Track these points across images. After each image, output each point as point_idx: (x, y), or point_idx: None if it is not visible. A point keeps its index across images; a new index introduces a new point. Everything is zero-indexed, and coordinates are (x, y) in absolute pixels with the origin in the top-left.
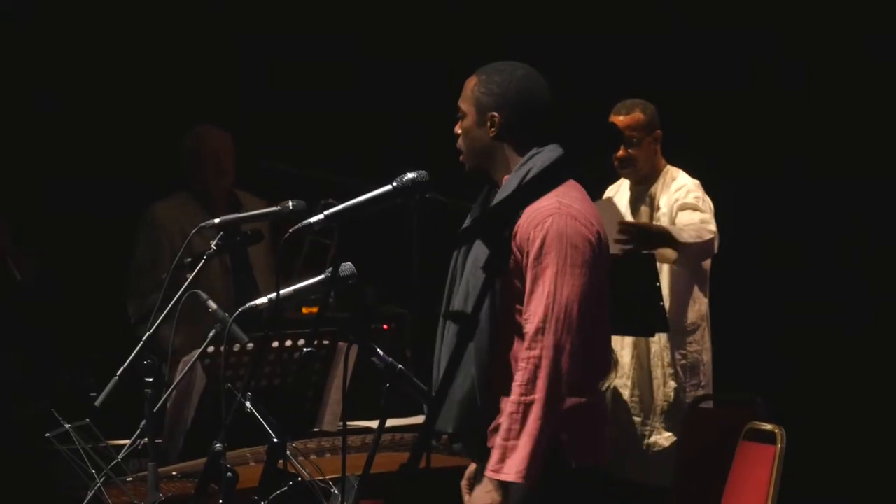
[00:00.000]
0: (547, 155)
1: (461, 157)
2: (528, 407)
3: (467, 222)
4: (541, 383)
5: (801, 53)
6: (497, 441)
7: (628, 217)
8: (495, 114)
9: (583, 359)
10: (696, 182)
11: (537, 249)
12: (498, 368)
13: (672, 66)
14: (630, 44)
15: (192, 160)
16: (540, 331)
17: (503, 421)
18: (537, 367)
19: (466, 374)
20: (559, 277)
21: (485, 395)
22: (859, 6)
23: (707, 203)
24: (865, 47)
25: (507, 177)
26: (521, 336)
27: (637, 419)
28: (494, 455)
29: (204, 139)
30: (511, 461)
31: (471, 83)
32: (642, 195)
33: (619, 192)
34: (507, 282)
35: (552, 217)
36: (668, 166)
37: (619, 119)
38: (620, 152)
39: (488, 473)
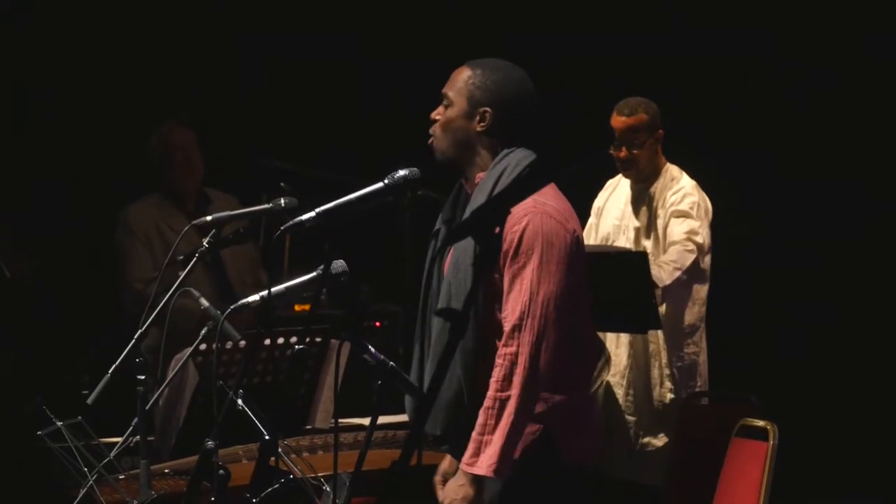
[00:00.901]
0: (520, 154)
1: (433, 142)
2: (503, 403)
3: (438, 223)
4: (516, 380)
5: (801, 53)
6: (473, 435)
7: (628, 215)
8: (487, 109)
9: (561, 356)
10: (694, 184)
11: (514, 248)
12: (483, 369)
13: (672, 66)
14: (630, 44)
15: (161, 159)
16: (517, 328)
17: (479, 416)
18: (513, 363)
19: (452, 376)
20: (536, 275)
21: (472, 395)
22: (859, 6)
23: (703, 206)
24: (865, 47)
25: (480, 174)
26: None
27: (631, 419)
28: (469, 449)
29: (170, 137)
30: (484, 456)
31: (463, 74)
32: (642, 194)
33: (619, 188)
34: (488, 282)
35: (528, 216)
36: (669, 165)
37: (623, 120)
38: (623, 153)
39: (463, 466)
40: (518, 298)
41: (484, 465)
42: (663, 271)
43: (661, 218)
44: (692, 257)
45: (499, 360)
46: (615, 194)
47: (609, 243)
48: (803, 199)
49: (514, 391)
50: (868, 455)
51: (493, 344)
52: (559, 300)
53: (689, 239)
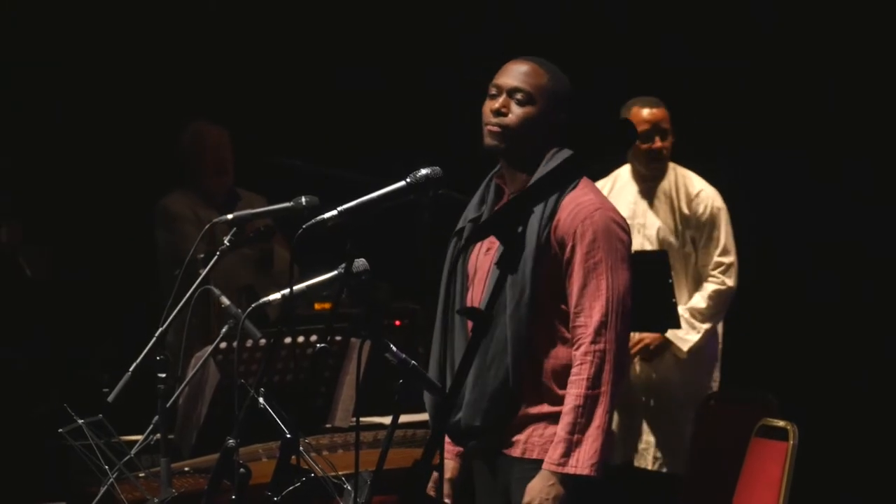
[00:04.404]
0: (566, 153)
1: (496, 133)
2: (595, 400)
3: (463, 221)
4: (607, 377)
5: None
6: (560, 434)
7: (642, 213)
8: (564, 117)
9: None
10: (715, 191)
11: (589, 243)
12: (531, 361)
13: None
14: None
15: (192, 158)
16: (603, 325)
17: (567, 415)
18: (603, 360)
19: (500, 366)
20: (613, 272)
21: (517, 385)
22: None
23: (724, 209)
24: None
25: (521, 175)
26: (557, 330)
27: (645, 408)
28: (558, 449)
29: (203, 136)
30: (580, 455)
31: (541, 76)
32: (652, 191)
33: (621, 187)
34: (546, 275)
35: (599, 211)
36: (671, 163)
37: (651, 111)
38: (657, 144)
39: (551, 468)
40: (598, 295)
41: (585, 464)
42: (686, 343)
43: (685, 217)
44: (725, 290)
45: (587, 358)
46: (616, 192)
47: None
48: (815, 198)
49: (605, 388)
50: (889, 454)
51: (542, 336)
52: (631, 296)
53: (719, 264)
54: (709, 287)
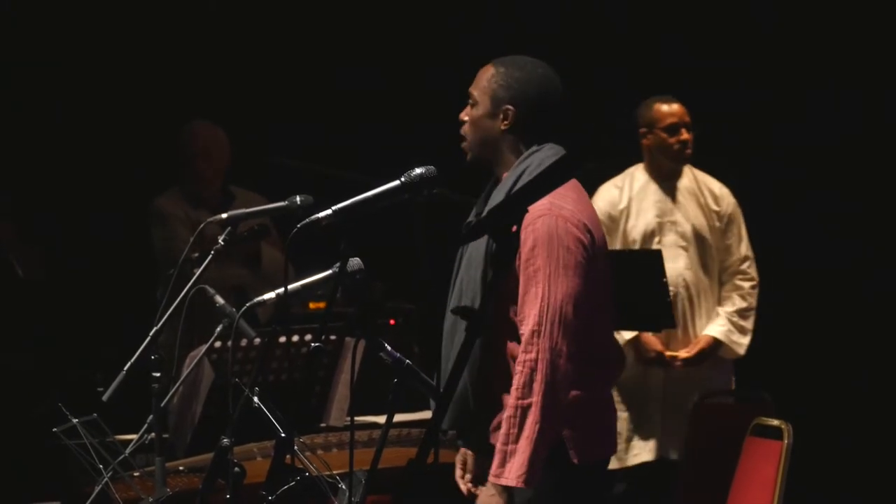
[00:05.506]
0: (545, 153)
1: (464, 145)
2: (525, 410)
3: (470, 218)
4: (537, 387)
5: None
6: (497, 445)
7: (670, 210)
8: (510, 107)
9: (579, 360)
10: (728, 191)
11: (528, 251)
12: (495, 367)
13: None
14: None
15: (186, 155)
16: (536, 334)
17: (502, 425)
18: (533, 370)
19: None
20: (552, 280)
21: (479, 392)
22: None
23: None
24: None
25: (506, 173)
26: (516, 335)
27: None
28: (496, 459)
29: (197, 135)
30: (511, 466)
31: (487, 73)
32: (674, 190)
33: (642, 189)
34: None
35: (542, 218)
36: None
37: (677, 106)
38: (684, 135)
39: (491, 479)
40: (534, 304)
41: (512, 475)
42: (741, 347)
43: (715, 214)
44: (757, 284)
45: (518, 367)
46: (637, 192)
47: (655, 240)
48: (814, 196)
49: (536, 398)
50: (884, 454)
51: (501, 344)
52: (576, 304)
53: (746, 258)
54: (744, 284)
